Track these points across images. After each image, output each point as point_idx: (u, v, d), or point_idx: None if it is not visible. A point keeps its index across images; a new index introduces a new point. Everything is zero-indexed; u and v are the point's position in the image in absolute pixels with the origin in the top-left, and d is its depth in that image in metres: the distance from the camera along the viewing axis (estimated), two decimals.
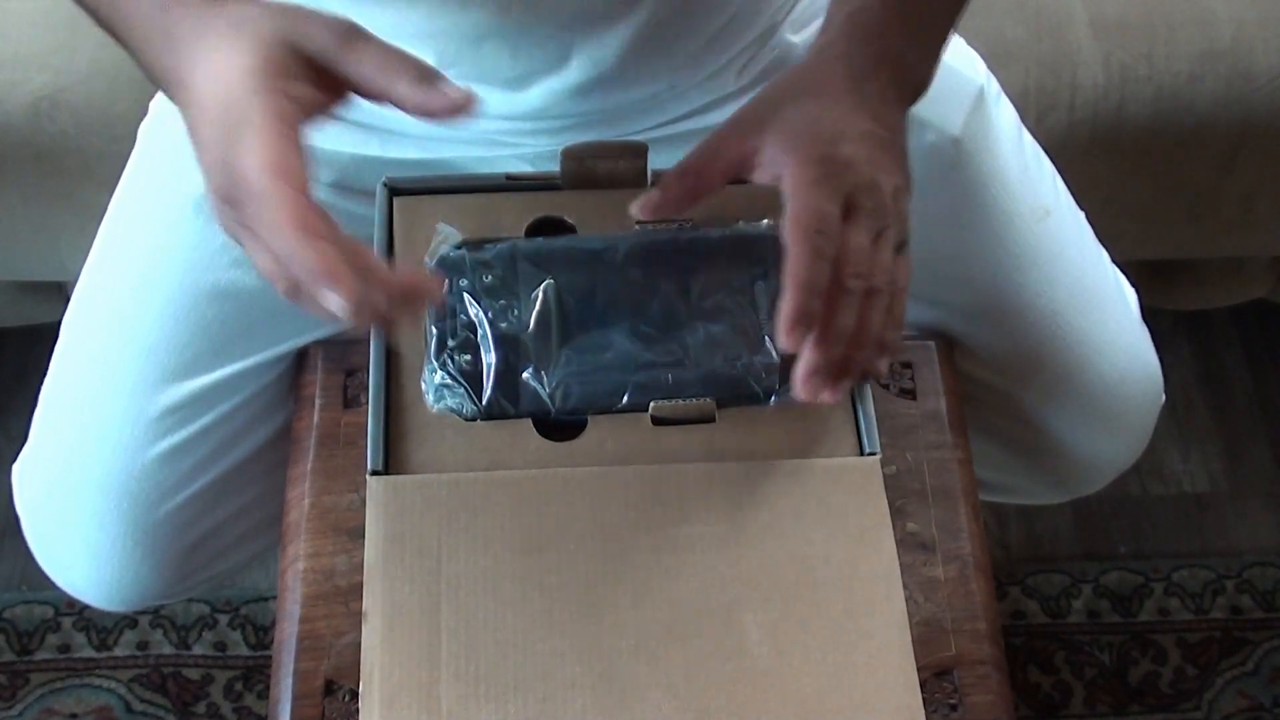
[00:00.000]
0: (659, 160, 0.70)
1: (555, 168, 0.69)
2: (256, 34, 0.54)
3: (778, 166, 0.62)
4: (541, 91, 0.72)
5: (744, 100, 0.78)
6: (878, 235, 0.62)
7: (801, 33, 0.79)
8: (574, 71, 0.71)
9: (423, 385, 0.64)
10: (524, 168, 0.77)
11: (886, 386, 0.75)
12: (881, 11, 0.65)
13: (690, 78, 0.75)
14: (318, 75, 0.55)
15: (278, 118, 0.53)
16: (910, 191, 0.64)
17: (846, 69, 0.64)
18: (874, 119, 0.63)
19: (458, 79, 0.72)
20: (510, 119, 0.75)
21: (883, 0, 0.65)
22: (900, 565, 0.62)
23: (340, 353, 0.76)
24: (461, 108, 0.54)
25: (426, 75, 0.54)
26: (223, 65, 0.55)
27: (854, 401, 0.65)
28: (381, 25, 0.70)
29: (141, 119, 0.83)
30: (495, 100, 0.74)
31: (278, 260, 0.53)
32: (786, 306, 0.58)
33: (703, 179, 0.64)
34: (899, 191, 0.63)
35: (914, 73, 0.67)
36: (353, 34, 0.55)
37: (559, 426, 0.64)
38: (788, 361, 0.65)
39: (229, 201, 0.54)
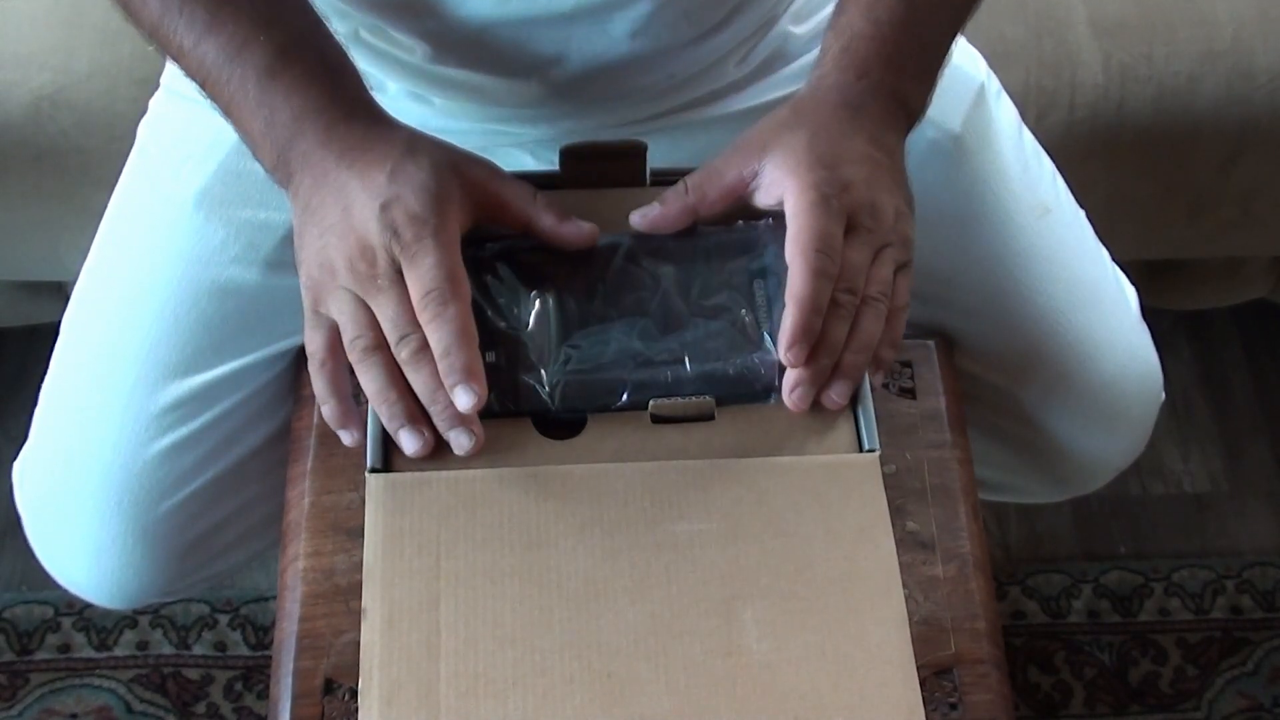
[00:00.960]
0: (658, 151, 0.70)
1: (555, 155, 0.69)
2: (433, 159, 0.62)
3: (778, 189, 0.64)
4: (540, 81, 0.72)
5: (744, 91, 0.78)
6: (877, 253, 0.63)
7: (802, 24, 0.79)
8: (574, 61, 0.71)
9: None
10: (524, 157, 0.78)
11: (886, 386, 0.75)
12: (874, 45, 0.66)
13: (690, 67, 0.75)
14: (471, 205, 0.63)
15: (452, 240, 0.61)
16: (912, 213, 0.66)
17: (841, 99, 0.66)
18: (872, 142, 0.65)
19: (458, 69, 0.73)
20: (511, 107, 0.75)
21: (875, 33, 0.66)
22: (900, 564, 0.62)
23: None
24: (588, 237, 0.65)
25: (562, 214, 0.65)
26: (394, 177, 0.62)
27: (853, 400, 0.65)
28: (382, 15, 0.70)
29: (141, 119, 0.83)
30: (495, 89, 0.74)
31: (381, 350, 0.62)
32: (788, 323, 0.61)
33: (704, 199, 0.66)
34: (900, 213, 0.65)
35: (908, 103, 0.68)
36: (502, 180, 0.65)
37: (558, 424, 0.64)
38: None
39: (354, 272, 0.61)
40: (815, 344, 0.62)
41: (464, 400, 0.59)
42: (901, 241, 0.65)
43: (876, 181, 0.64)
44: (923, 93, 0.69)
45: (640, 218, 0.66)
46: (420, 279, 0.60)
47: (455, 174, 0.63)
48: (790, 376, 0.63)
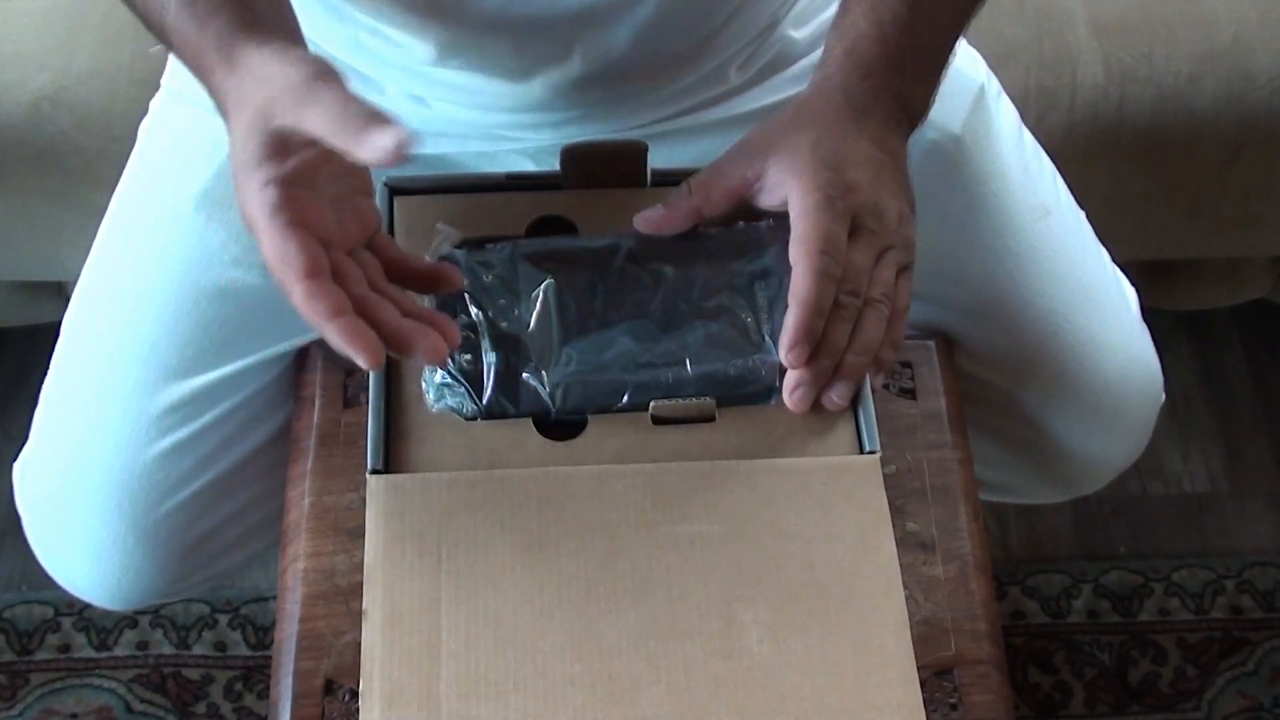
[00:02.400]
0: (660, 155, 0.70)
1: (556, 162, 0.69)
2: (250, 116, 0.57)
3: (783, 190, 0.64)
4: (543, 84, 0.72)
5: (745, 94, 0.78)
6: (880, 255, 0.64)
7: (803, 29, 0.79)
8: (576, 64, 0.71)
9: (423, 385, 0.64)
10: (525, 163, 0.78)
11: (887, 386, 0.75)
12: (878, 46, 0.66)
13: (692, 72, 0.75)
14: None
15: (273, 211, 0.55)
16: (914, 215, 0.66)
17: (845, 100, 0.66)
18: (875, 144, 0.65)
19: (461, 70, 0.73)
20: (512, 111, 0.75)
21: (879, 35, 0.66)
22: (900, 565, 0.62)
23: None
24: (401, 146, 0.53)
25: (376, 120, 0.54)
26: (232, 147, 0.58)
27: (854, 401, 0.65)
28: (384, 16, 0.70)
29: (141, 119, 0.83)
30: (497, 92, 0.74)
31: None
32: (790, 324, 0.61)
33: (707, 200, 0.66)
34: (903, 216, 0.65)
35: (911, 104, 0.68)
36: (311, 87, 0.56)
37: (559, 426, 0.64)
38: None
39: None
40: (817, 345, 0.62)
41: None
42: (904, 244, 0.65)
43: (880, 184, 0.64)
44: (925, 94, 0.69)
45: (643, 220, 0.66)
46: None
47: (273, 152, 0.57)
48: (791, 377, 0.63)
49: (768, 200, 0.65)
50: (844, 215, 0.62)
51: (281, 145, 0.56)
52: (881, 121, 0.66)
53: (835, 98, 0.66)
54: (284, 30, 0.61)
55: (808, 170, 0.63)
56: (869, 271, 0.63)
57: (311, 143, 0.55)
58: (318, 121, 0.54)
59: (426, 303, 0.64)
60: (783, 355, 0.62)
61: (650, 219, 0.66)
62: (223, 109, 0.60)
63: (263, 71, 0.57)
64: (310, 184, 0.58)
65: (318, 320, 0.55)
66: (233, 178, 0.58)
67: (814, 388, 0.63)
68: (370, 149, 0.52)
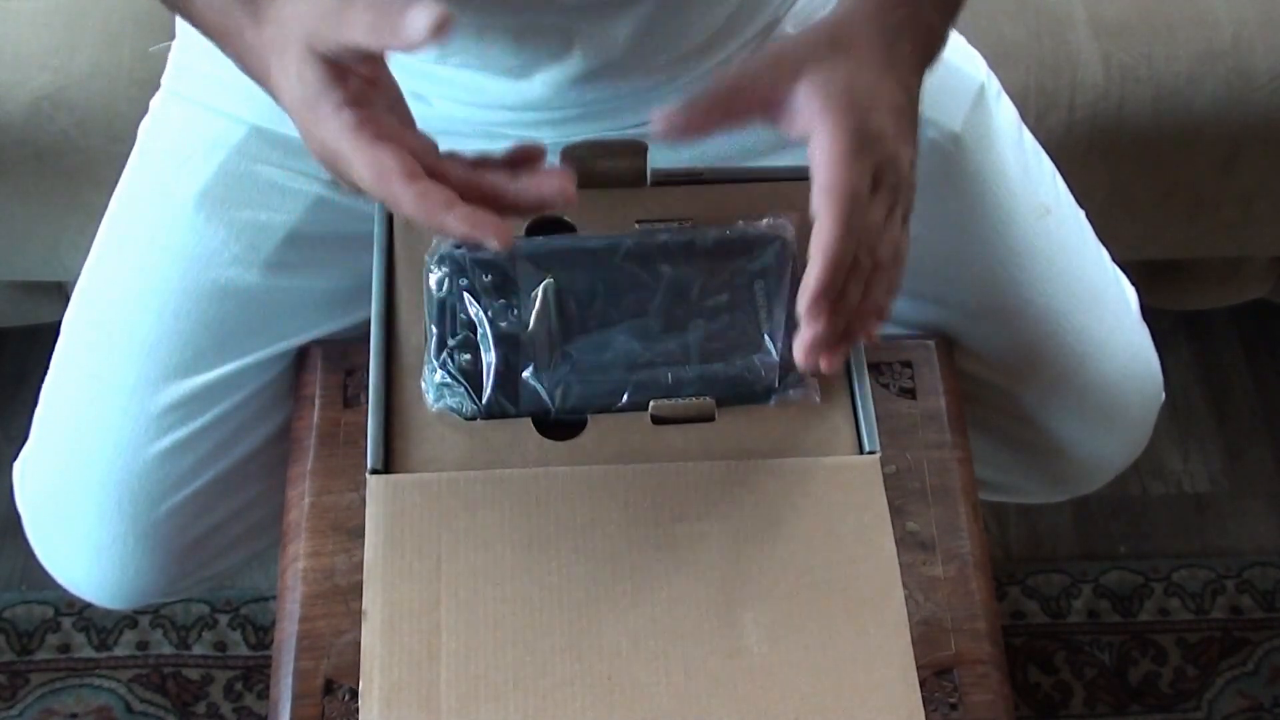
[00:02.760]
0: (659, 154, 0.70)
1: (556, 163, 0.69)
2: (297, 54, 0.57)
3: (808, 123, 0.60)
4: (543, 81, 0.72)
5: None
6: (890, 210, 0.62)
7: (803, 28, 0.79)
8: (576, 62, 0.71)
9: (423, 385, 0.64)
10: None
11: (886, 386, 0.75)
12: None
13: (692, 70, 0.75)
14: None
15: (357, 131, 0.56)
16: (917, 159, 0.64)
17: (880, 30, 0.62)
18: (900, 85, 0.62)
19: (461, 67, 0.73)
20: (512, 109, 0.75)
21: None
22: (900, 564, 0.62)
23: (340, 352, 0.76)
24: (440, 21, 0.53)
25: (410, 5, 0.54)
26: (288, 92, 0.58)
27: (854, 401, 0.65)
28: None
29: (141, 119, 0.83)
30: (497, 90, 0.74)
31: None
32: (813, 279, 0.58)
33: (730, 111, 0.62)
34: (912, 163, 0.63)
35: (935, 34, 0.66)
36: (343, 3, 0.55)
37: (559, 426, 0.64)
38: (787, 360, 0.65)
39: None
40: (833, 304, 0.59)
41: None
42: (909, 192, 0.63)
43: (900, 133, 0.62)
44: (946, 28, 0.67)
45: (662, 120, 0.61)
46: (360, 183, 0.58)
47: (330, 83, 0.57)
48: (807, 335, 0.59)
49: (788, 128, 0.62)
50: (870, 167, 0.60)
51: (338, 71, 0.56)
52: (907, 57, 0.63)
53: (871, 25, 0.63)
54: None
55: (839, 111, 0.60)
56: (881, 229, 0.61)
57: (364, 60, 0.56)
58: (358, 32, 0.54)
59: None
60: (802, 308, 0.58)
61: (667, 120, 0.61)
62: (259, 66, 0.60)
63: (293, 9, 0.57)
64: (374, 102, 0.58)
65: (436, 217, 0.54)
66: (298, 121, 0.58)
67: (825, 348, 0.60)
68: (410, 31, 0.52)
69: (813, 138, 0.60)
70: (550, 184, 0.57)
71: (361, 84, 0.57)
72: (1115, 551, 1.34)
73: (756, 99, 0.61)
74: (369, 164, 0.55)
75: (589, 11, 0.68)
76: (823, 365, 0.60)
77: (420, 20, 0.52)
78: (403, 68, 0.75)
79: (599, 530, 0.61)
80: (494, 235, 0.54)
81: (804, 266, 0.59)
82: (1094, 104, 1.06)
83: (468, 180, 0.57)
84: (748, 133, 0.79)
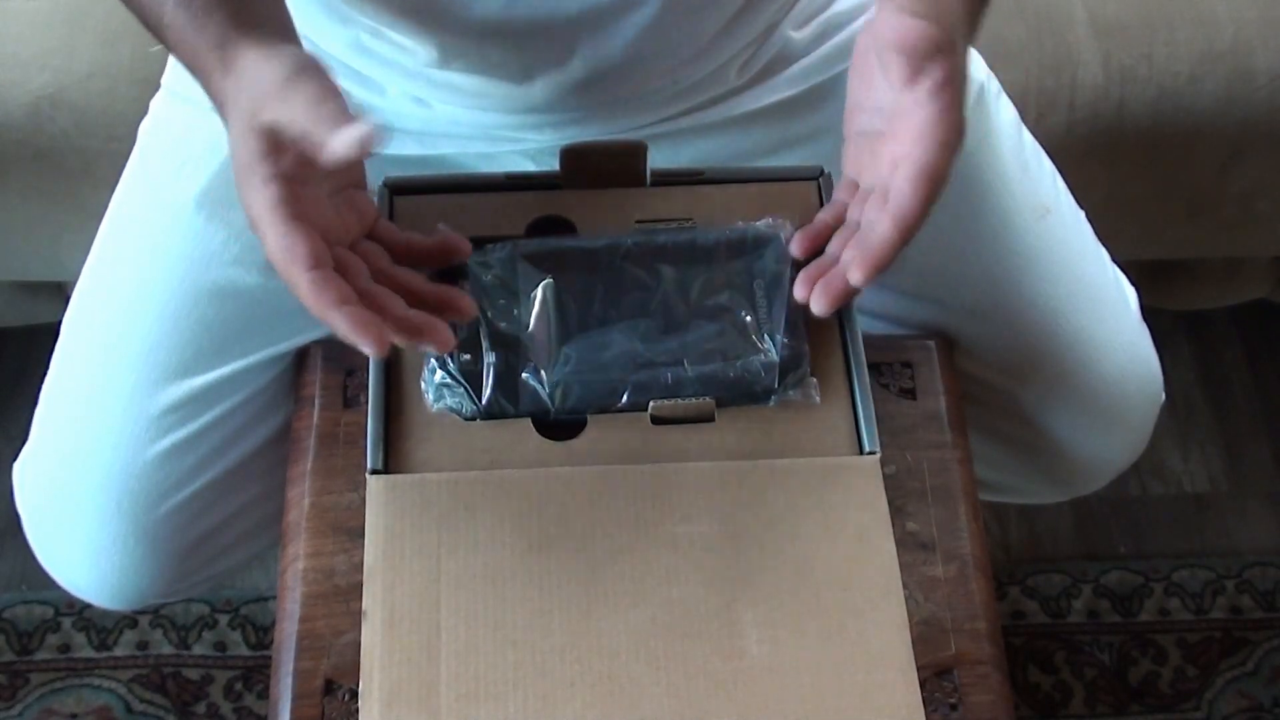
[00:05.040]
0: (660, 155, 0.70)
1: (556, 163, 0.69)
2: (244, 116, 0.58)
3: (914, 93, 0.61)
4: (545, 86, 0.72)
5: (744, 95, 0.78)
6: None
7: (803, 29, 0.79)
8: (577, 67, 0.71)
9: (423, 385, 0.64)
10: (526, 164, 0.78)
11: (886, 386, 0.75)
12: None
13: (693, 73, 0.75)
14: None
15: (275, 207, 0.56)
16: None
17: (967, 32, 0.64)
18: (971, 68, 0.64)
19: (462, 72, 0.73)
20: (513, 113, 0.75)
21: None
22: (900, 565, 0.62)
23: (340, 352, 0.76)
24: (365, 142, 0.54)
25: (346, 116, 0.55)
26: (231, 149, 0.59)
27: (854, 401, 0.65)
28: (385, 19, 0.70)
29: (141, 119, 0.83)
30: (498, 94, 0.74)
31: None
32: (885, 246, 0.60)
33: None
34: None
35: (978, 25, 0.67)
36: (291, 83, 0.56)
37: (559, 426, 0.64)
38: (787, 361, 0.65)
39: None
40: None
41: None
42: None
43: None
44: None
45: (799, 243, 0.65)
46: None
47: (266, 152, 0.57)
48: (839, 284, 0.61)
49: (884, 79, 0.63)
50: (956, 157, 0.62)
51: (275, 142, 0.56)
52: (970, 36, 0.65)
53: (962, 26, 0.64)
54: (275, 28, 0.62)
55: (955, 101, 0.61)
56: None
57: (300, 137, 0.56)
58: (294, 116, 0.55)
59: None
60: (859, 269, 0.60)
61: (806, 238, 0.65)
62: (221, 110, 0.60)
63: (252, 70, 0.58)
64: (308, 179, 0.58)
65: (326, 310, 0.55)
66: (235, 178, 0.58)
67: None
68: (335, 144, 0.53)
69: (919, 112, 0.60)
70: (435, 333, 0.58)
71: (296, 161, 0.57)
72: (1115, 551, 1.34)
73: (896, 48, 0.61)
74: (277, 242, 0.56)
75: (590, 19, 0.68)
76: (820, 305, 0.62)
77: (348, 137, 0.53)
78: (404, 72, 0.75)
79: (599, 530, 0.61)
80: (373, 342, 0.55)
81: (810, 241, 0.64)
82: (1094, 104, 1.06)
83: (367, 290, 0.58)
84: (748, 133, 0.79)
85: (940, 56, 0.60)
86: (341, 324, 0.55)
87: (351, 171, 0.63)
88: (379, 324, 0.55)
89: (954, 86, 0.61)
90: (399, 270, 0.61)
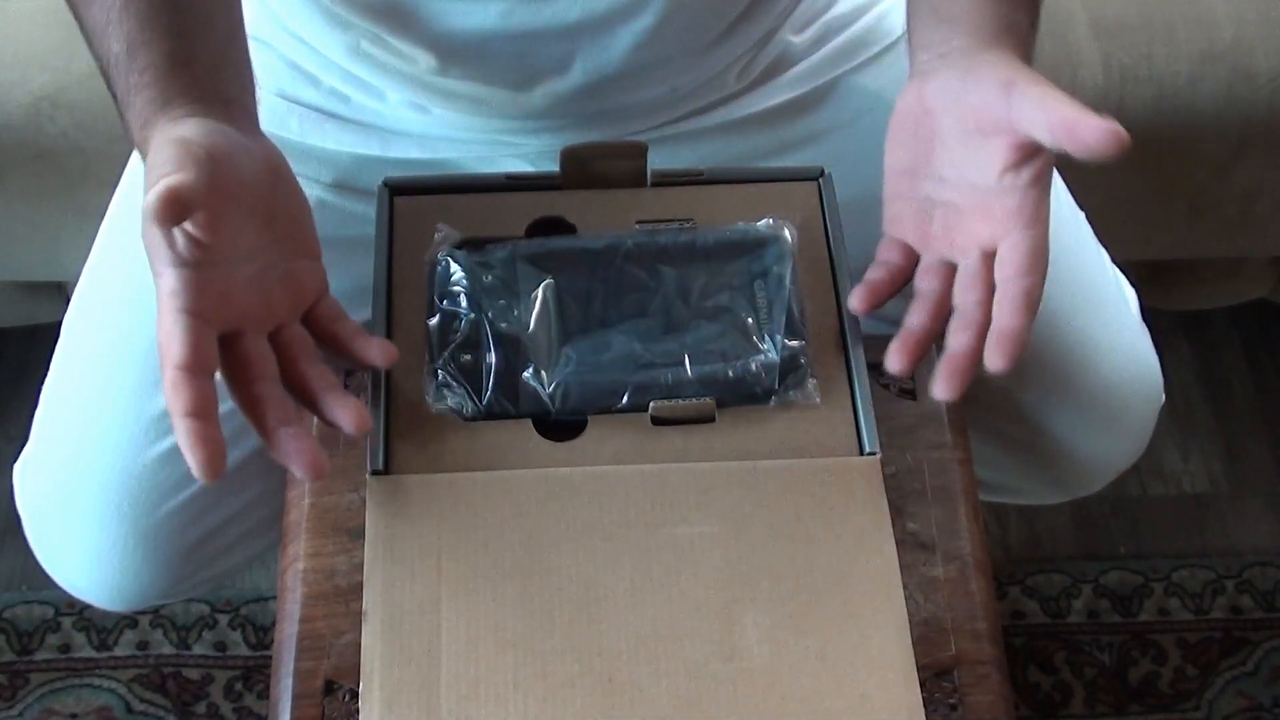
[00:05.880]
0: (659, 159, 0.70)
1: (555, 167, 0.69)
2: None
3: (1015, 174, 0.61)
4: (544, 93, 0.72)
5: (743, 99, 0.78)
6: None
7: (802, 33, 0.79)
8: (576, 75, 0.71)
9: (423, 385, 0.64)
10: (524, 167, 0.78)
11: (887, 387, 0.75)
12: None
13: (692, 80, 0.75)
14: None
15: (170, 296, 0.54)
16: None
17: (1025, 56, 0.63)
18: None
19: (461, 80, 0.73)
20: (512, 119, 0.75)
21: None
22: (900, 565, 0.62)
23: None
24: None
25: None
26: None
27: (854, 401, 0.65)
28: (385, 26, 0.70)
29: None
30: (498, 101, 0.74)
31: None
32: (1022, 333, 0.59)
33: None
34: None
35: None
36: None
37: (559, 426, 0.64)
38: (787, 361, 0.65)
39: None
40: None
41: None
42: None
43: None
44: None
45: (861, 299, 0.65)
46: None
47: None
48: (964, 371, 0.60)
49: (960, 150, 0.62)
50: None
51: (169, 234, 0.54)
52: None
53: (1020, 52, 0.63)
54: (206, 102, 0.59)
55: (1050, 181, 0.62)
56: None
57: (211, 197, 0.53)
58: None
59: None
60: (1003, 358, 0.59)
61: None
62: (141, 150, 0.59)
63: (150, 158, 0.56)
64: (223, 259, 0.56)
65: (171, 414, 0.53)
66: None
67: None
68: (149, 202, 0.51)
69: (1020, 198, 0.60)
70: (301, 459, 0.55)
71: (191, 246, 0.54)
72: (1115, 551, 1.34)
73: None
74: (161, 332, 0.54)
75: (589, 27, 0.68)
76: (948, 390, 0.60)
77: (154, 192, 0.51)
78: (403, 78, 0.75)
79: (599, 531, 0.61)
80: (202, 465, 0.52)
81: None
82: (1094, 104, 1.05)
83: (256, 396, 0.56)
84: (747, 137, 0.79)
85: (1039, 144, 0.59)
86: (178, 432, 0.52)
87: (296, 240, 0.61)
88: (214, 449, 0.52)
89: (1051, 168, 0.60)
90: (312, 370, 0.59)
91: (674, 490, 0.62)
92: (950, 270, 0.63)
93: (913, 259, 0.65)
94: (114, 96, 0.62)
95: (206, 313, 0.54)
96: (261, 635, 1.24)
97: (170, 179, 0.51)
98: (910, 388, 0.75)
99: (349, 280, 0.76)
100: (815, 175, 0.71)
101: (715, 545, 0.61)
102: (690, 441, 0.64)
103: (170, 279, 0.54)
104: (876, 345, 0.74)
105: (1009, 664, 0.69)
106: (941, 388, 0.60)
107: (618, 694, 0.58)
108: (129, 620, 1.25)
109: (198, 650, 1.24)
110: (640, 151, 0.69)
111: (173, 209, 0.51)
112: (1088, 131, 0.56)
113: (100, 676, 1.23)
